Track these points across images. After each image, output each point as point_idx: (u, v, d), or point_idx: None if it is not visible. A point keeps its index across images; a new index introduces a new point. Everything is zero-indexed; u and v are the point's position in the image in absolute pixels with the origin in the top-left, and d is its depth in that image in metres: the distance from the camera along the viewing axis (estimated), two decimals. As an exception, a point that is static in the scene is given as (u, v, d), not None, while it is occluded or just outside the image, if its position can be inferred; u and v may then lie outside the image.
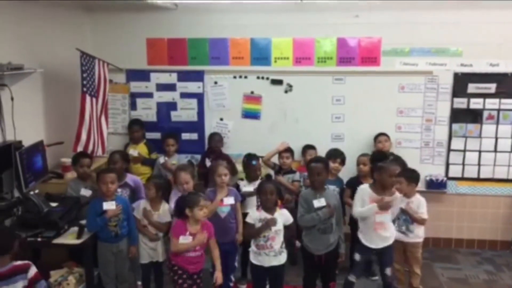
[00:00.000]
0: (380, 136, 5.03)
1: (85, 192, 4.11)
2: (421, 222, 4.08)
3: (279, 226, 3.63)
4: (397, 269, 4.21)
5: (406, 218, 4.09)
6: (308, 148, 5.02)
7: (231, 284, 4.24)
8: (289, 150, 4.88)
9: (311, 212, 3.74)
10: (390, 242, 3.89)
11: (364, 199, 3.83)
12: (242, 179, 4.52)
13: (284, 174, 4.76)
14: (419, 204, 4.09)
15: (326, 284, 3.94)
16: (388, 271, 3.94)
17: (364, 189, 3.88)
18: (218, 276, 3.62)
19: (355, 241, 4.10)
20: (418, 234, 4.10)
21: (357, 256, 3.96)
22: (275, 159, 4.95)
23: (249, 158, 4.49)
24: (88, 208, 3.80)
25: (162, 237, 3.99)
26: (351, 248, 4.54)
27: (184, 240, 3.52)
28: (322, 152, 4.89)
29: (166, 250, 3.94)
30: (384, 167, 3.82)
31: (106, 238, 3.78)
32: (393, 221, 4.01)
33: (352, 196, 4.48)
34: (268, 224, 3.57)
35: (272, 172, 4.91)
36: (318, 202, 3.74)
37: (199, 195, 3.62)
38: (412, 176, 4.13)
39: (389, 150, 4.97)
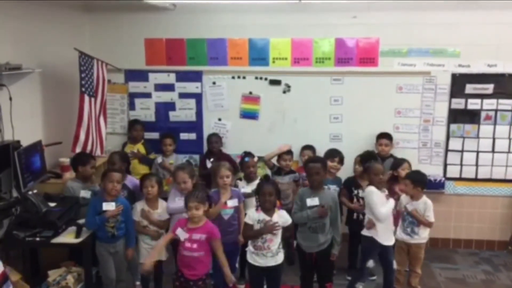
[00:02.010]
0: (381, 139, 5.02)
1: (85, 194, 4.10)
2: (428, 225, 4.06)
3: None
4: (398, 270, 4.22)
5: (412, 221, 4.07)
6: (305, 148, 5.03)
7: (230, 285, 4.24)
8: (289, 152, 4.88)
9: (304, 210, 3.77)
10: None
11: (382, 200, 3.91)
12: (240, 179, 4.53)
13: (284, 174, 4.77)
14: (426, 207, 4.06)
15: (322, 285, 3.95)
16: (395, 264, 4.08)
17: (375, 191, 3.94)
18: (227, 273, 3.52)
19: (365, 247, 4.09)
20: (422, 235, 4.09)
21: (371, 263, 4.01)
22: (274, 160, 4.95)
23: (243, 155, 4.57)
24: (87, 206, 3.81)
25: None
26: (349, 247, 4.57)
27: (180, 233, 3.43)
28: (320, 152, 4.89)
29: (168, 250, 3.96)
30: (369, 167, 3.98)
31: (103, 237, 3.79)
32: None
33: (348, 196, 4.52)
34: (270, 229, 3.57)
35: (269, 173, 4.92)
36: (311, 201, 3.76)
37: (195, 195, 3.50)
38: (417, 179, 4.10)
39: (389, 153, 4.99)
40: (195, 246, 3.44)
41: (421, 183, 4.09)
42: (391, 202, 3.96)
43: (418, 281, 4.21)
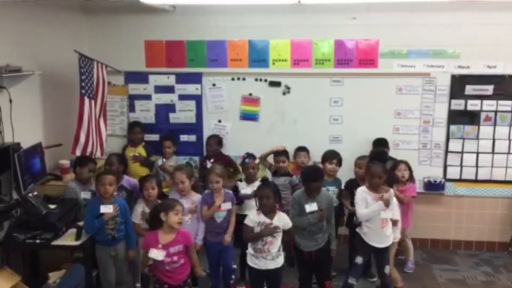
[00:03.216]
0: (377, 147, 4.96)
1: (86, 195, 4.12)
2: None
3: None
4: None
5: None
6: (299, 150, 5.03)
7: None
8: (284, 153, 4.83)
9: (302, 214, 3.78)
10: (392, 240, 3.93)
11: (367, 201, 3.85)
12: (240, 180, 4.53)
13: (280, 176, 4.76)
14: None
15: (321, 284, 3.95)
16: (387, 269, 3.95)
17: (363, 190, 3.91)
18: (199, 272, 3.67)
19: (356, 243, 4.06)
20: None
21: (359, 260, 3.95)
22: (271, 159, 4.94)
23: (245, 156, 4.57)
24: (86, 209, 3.81)
25: None
26: (349, 250, 4.57)
27: (156, 255, 3.29)
28: (319, 154, 4.88)
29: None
30: (368, 167, 3.94)
31: (103, 240, 3.79)
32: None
33: (349, 197, 4.51)
34: (270, 232, 3.58)
35: (269, 174, 4.92)
36: (310, 207, 3.77)
37: (176, 200, 3.56)
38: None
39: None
40: (175, 258, 3.38)
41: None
42: (377, 204, 3.81)
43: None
